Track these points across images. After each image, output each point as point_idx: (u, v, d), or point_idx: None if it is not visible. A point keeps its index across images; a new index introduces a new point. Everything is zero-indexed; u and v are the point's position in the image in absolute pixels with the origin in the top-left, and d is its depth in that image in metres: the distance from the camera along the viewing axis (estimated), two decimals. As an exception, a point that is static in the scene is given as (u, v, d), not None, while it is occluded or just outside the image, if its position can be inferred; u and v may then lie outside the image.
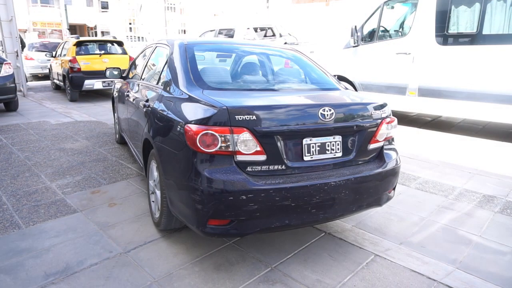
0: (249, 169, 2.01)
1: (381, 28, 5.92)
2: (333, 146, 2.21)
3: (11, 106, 6.84)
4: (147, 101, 2.81)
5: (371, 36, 6.01)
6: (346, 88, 2.89)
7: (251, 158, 1.99)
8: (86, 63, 8.13)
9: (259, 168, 2.03)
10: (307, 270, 2.26)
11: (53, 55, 9.95)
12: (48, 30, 33.06)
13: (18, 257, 2.35)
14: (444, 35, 5.19)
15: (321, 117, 2.11)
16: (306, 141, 2.12)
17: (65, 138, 5.21)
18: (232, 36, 9.21)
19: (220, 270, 2.25)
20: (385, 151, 2.49)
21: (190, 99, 2.19)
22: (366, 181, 2.27)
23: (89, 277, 2.16)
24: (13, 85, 6.46)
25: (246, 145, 1.96)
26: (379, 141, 2.42)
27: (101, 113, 7.26)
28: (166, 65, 2.78)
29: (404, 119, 6.79)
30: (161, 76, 2.82)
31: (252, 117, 1.96)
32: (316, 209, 2.11)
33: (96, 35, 35.48)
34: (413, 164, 4.48)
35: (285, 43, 9.50)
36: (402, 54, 5.59)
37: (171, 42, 2.95)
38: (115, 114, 4.90)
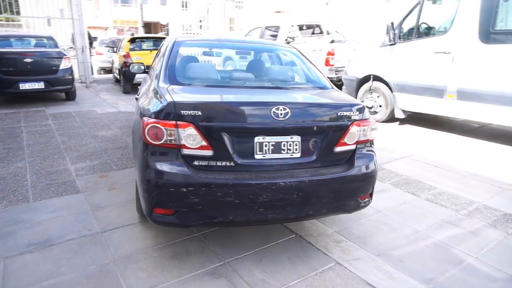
0: (196, 163, 2.07)
1: (420, 25, 5.48)
2: (290, 146, 2.16)
3: (69, 96, 7.67)
4: (138, 94, 3.01)
5: (409, 34, 5.59)
6: (333, 88, 2.77)
7: (197, 153, 2.05)
8: (138, 58, 8.76)
9: (206, 163, 2.07)
10: (257, 269, 2.25)
11: (114, 51, 10.91)
12: (126, 27, 36.08)
13: (15, 226, 2.69)
14: (489, 32, 4.63)
15: (273, 116, 2.08)
16: (258, 139, 2.11)
17: (102, 127, 5.73)
18: (277, 34, 9.22)
19: (175, 259, 2.34)
20: (357, 155, 2.36)
21: (156, 93, 2.31)
22: (325, 184, 2.18)
23: (61, 250, 2.40)
24: (70, 77, 7.25)
25: (191, 140, 2.01)
26: (348, 144, 2.30)
27: (145, 105, 7.79)
28: (159, 61, 2.94)
29: (446, 124, 6.22)
30: (154, 71, 2.99)
31: (197, 113, 2.01)
32: (264, 208, 2.10)
33: (168, 32, 37.81)
34: (436, 173, 4.11)
35: (332, 41, 9.24)
36: (441, 53, 5.11)
37: (169, 39, 3.10)
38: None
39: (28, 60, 6.63)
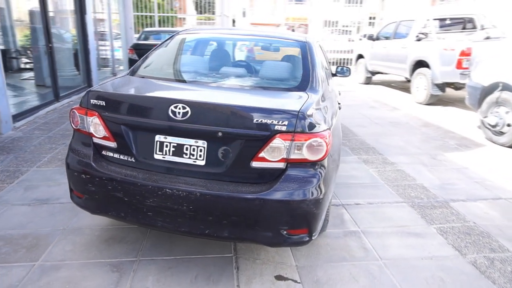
0: (104, 153, 2.07)
1: None
2: (193, 151, 1.90)
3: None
4: None
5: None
6: (306, 93, 2.22)
7: (103, 143, 2.05)
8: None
9: (111, 154, 2.05)
10: (154, 277, 2.10)
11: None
12: (297, 24, 37.83)
13: (43, 183, 3.31)
14: None
15: (171, 115, 1.86)
16: (159, 138, 1.93)
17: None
18: (410, 28, 7.88)
19: (106, 242, 2.42)
20: (287, 177, 1.86)
21: None
22: (220, 203, 1.82)
23: (45, 210, 2.83)
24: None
25: (96, 129, 2.03)
26: (268, 161, 1.84)
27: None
28: None
29: None
30: None
31: (102, 103, 2.00)
32: (153, 213, 1.93)
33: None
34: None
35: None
36: None
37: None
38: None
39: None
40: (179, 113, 1.85)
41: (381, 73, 9.61)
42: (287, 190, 1.82)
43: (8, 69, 8.96)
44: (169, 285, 2.04)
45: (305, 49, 2.61)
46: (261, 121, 1.81)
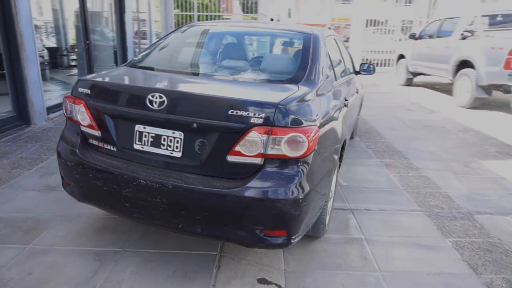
0: (90, 141, 2.08)
1: None
2: (170, 142, 1.84)
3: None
4: None
5: None
6: (298, 86, 2.07)
7: (88, 131, 2.06)
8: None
9: (96, 143, 2.05)
10: (132, 269, 2.08)
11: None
12: (343, 25, 36.84)
13: (57, 171, 3.42)
14: None
15: (148, 104, 1.82)
16: (138, 127, 1.90)
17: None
18: (455, 26, 7.28)
19: (97, 231, 2.45)
20: (264, 173, 1.74)
21: None
22: (191, 197, 1.75)
23: (51, 196, 2.93)
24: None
25: (82, 117, 2.04)
26: (244, 155, 1.73)
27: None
28: None
29: None
30: None
31: (87, 91, 2.01)
32: (129, 204, 1.90)
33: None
34: None
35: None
36: None
37: None
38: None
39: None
40: (156, 102, 1.80)
41: (423, 74, 9.02)
42: (261, 187, 1.70)
43: (58, 65, 9.63)
44: (145, 277, 2.01)
45: (308, 42, 2.45)
46: (237, 112, 1.70)
